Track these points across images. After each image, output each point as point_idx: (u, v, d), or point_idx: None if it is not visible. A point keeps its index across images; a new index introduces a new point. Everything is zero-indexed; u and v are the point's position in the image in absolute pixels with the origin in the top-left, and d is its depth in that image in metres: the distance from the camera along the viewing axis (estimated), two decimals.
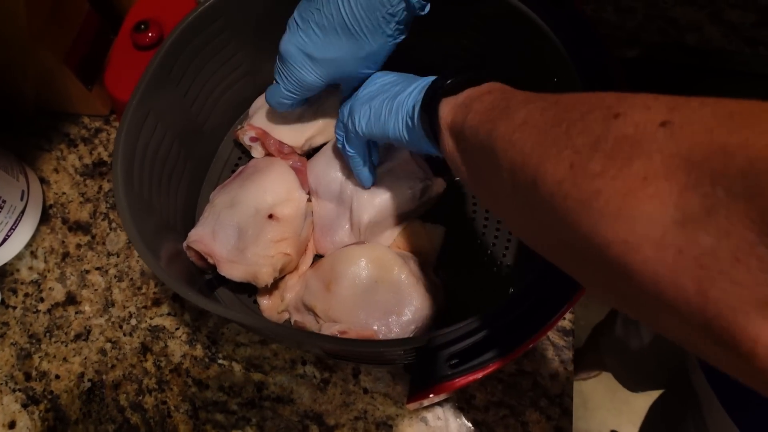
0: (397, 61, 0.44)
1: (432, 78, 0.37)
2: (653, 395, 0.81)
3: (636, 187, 0.19)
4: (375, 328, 0.43)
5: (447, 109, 0.33)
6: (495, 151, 0.27)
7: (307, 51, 0.42)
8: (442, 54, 0.51)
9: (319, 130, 0.52)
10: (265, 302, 0.49)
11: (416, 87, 0.38)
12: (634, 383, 0.93)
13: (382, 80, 0.43)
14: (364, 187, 0.48)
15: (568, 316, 0.51)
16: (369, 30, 0.40)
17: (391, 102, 0.39)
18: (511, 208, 0.28)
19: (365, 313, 0.44)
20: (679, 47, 0.63)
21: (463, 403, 0.48)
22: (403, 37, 0.42)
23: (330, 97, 0.53)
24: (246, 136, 0.52)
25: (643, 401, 0.86)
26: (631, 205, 0.19)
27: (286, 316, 0.49)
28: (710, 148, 0.17)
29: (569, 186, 0.21)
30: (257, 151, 0.53)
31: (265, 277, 0.45)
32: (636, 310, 0.21)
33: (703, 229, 0.17)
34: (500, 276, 0.50)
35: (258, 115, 0.53)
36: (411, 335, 0.43)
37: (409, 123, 0.38)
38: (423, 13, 0.40)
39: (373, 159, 0.48)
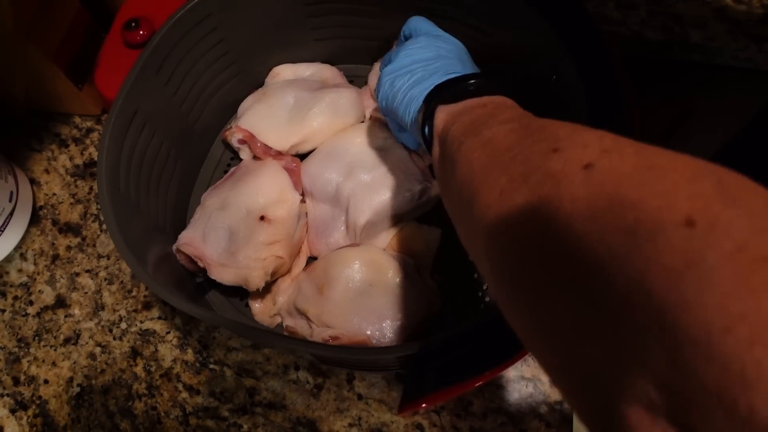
0: None
1: (452, 75, 0.36)
2: None
3: None
4: (368, 333, 0.42)
5: (441, 116, 0.33)
6: (455, 164, 0.27)
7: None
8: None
9: (305, 137, 0.51)
10: (256, 306, 0.48)
11: (433, 83, 0.37)
12: None
13: (415, 56, 0.40)
14: (410, 149, 0.47)
15: None
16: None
17: (407, 91, 0.38)
18: (458, 220, 0.28)
19: (359, 317, 0.42)
20: (683, 44, 0.61)
21: (460, 410, 0.47)
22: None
23: (319, 105, 0.51)
24: (234, 138, 0.51)
25: None
26: None
27: (278, 320, 0.48)
28: (613, 199, 0.17)
29: (494, 212, 0.22)
30: (245, 153, 0.52)
31: (257, 281, 0.44)
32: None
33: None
34: None
35: (246, 117, 0.51)
36: (405, 340, 0.42)
37: (414, 119, 0.37)
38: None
39: None
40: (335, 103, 0.51)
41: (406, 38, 0.43)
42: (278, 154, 0.50)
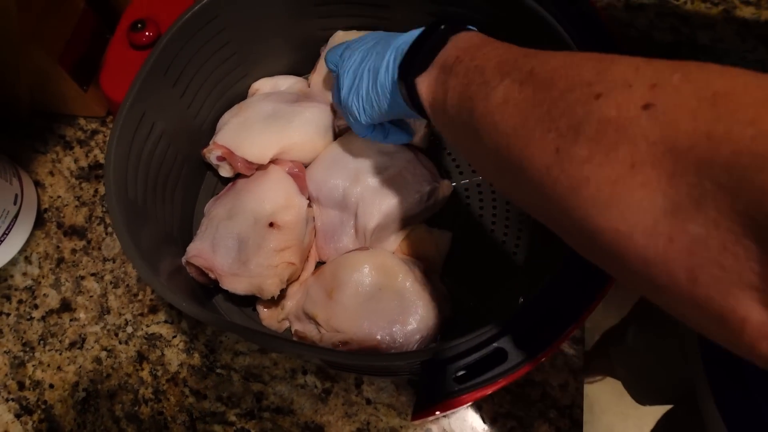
0: None
1: (403, 40, 0.35)
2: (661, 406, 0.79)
3: (624, 174, 0.19)
4: (378, 337, 0.41)
5: (424, 87, 0.32)
6: (478, 131, 0.26)
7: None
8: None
9: (284, 149, 0.49)
10: (264, 311, 0.47)
11: (391, 57, 0.36)
12: (642, 396, 0.91)
13: (355, 65, 0.40)
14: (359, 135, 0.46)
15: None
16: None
17: (373, 88, 0.37)
18: (500, 181, 0.28)
19: (368, 322, 0.42)
20: (691, 46, 0.61)
21: (469, 415, 0.46)
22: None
23: (299, 118, 0.50)
24: (212, 155, 0.49)
25: (649, 407, 0.84)
26: (620, 194, 0.19)
27: (286, 324, 0.47)
28: (694, 136, 0.17)
29: (557, 172, 0.21)
30: (225, 170, 0.50)
31: (272, 289, 0.43)
32: (632, 286, 0.21)
33: (692, 219, 0.17)
34: (510, 283, 0.48)
35: (223, 132, 0.50)
36: (416, 345, 0.41)
37: (397, 100, 0.36)
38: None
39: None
40: (315, 119, 0.50)
41: (337, 72, 0.42)
42: (272, 163, 0.49)
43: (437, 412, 0.31)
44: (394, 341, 0.41)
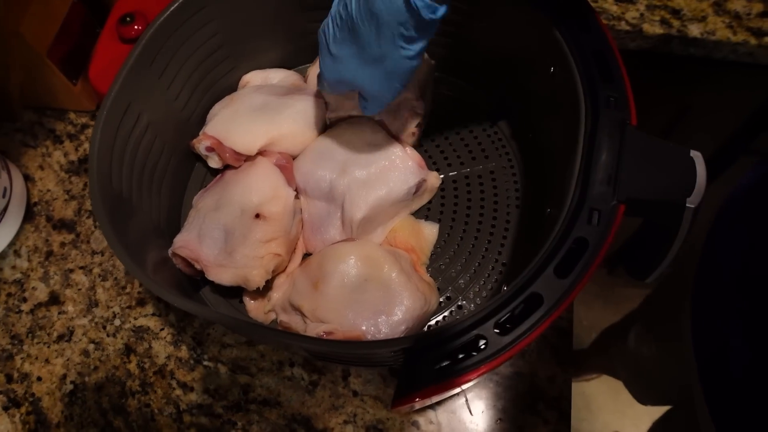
0: None
1: None
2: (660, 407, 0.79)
3: None
4: (363, 328, 0.41)
5: None
6: None
7: (326, 43, 0.37)
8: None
9: (272, 140, 0.49)
10: (251, 302, 0.47)
11: None
12: (643, 396, 0.91)
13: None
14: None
15: (566, 316, 0.49)
16: (374, 35, 0.33)
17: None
18: None
19: (353, 312, 0.42)
20: (682, 38, 0.61)
21: (456, 407, 0.46)
22: (420, 46, 0.34)
23: (289, 110, 0.50)
24: (201, 146, 0.49)
25: (647, 406, 0.84)
26: None
27: (272, 316, 0.47)
28: None
29: None
30: (214, 161, 0.50)
31: (257, 280, 0.43)
32: None
33: None
34: (495, 273, 0.48)
35: (213, 123, 0.50)
36: (401, 336, 0.41)
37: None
38: (436, 17, 0.32)
39: None
40: (306, 111, 0.50)
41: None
42: (260, 155, 0.49)
43: (416, 399, 0.31)
44: (379, 332, 0.41)
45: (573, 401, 0.51)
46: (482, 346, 0.31)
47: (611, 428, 1.33)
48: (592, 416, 1.39)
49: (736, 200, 0.50)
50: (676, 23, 0.61)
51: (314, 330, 0.41)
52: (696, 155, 0.34)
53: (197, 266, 0.45)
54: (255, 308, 0.47)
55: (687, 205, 0.33)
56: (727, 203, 0.50)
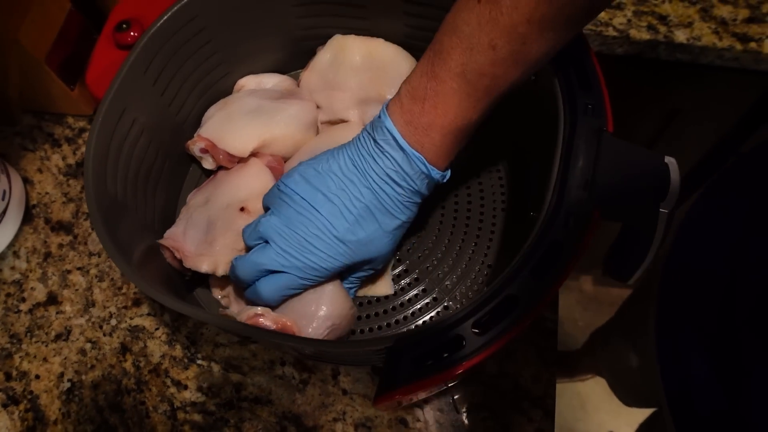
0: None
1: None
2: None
3: None
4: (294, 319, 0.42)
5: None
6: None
7: (336, 234, 0.39)
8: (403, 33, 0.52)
9: (265, 143, 0.50)
10: (214, 290, 0.49)
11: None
12: (626, 398, 0.92)
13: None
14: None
15: (551, 317, 0.50)
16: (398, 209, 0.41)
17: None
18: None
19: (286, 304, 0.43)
20: (668, 44, 0.62)
21: (443, 405, 0.47)
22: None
23: (283, 114, 0.51)
24: (196, 147, 0.51)
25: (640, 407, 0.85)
26: None
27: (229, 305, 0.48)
28: None
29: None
30: (208, 162, 0.52)
31: (225, 267, 0.45)
32: None
33: None
34: (481, 276, 0.49)
35: (208, 125, 0.51)
36: (327, 332, 0.42)
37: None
38: (444, 181, 0.41)
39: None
40: (299, 115, 0.51)
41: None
42: (252, 157, 0.50)
43: (397, 396, 0.32)
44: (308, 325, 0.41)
45: (569, 401, 0.52)
46: (460, 346, 0.32)
47: (606, 428, 1.33)
48: (587, 416, 1.40)
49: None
50: (662, 29, 0.62)
51: (245, 314, 0.41)
52: (670, 161, 0.35)
53: (177, 255, 0.46)
54: (214, 293, 0.49)
55: (660, 210, 0.34)
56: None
